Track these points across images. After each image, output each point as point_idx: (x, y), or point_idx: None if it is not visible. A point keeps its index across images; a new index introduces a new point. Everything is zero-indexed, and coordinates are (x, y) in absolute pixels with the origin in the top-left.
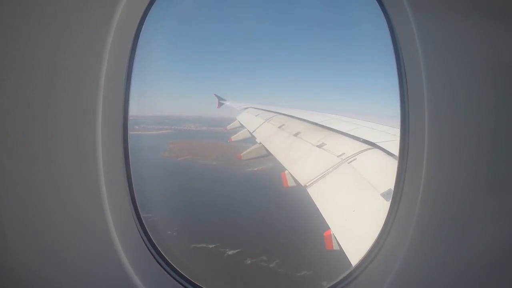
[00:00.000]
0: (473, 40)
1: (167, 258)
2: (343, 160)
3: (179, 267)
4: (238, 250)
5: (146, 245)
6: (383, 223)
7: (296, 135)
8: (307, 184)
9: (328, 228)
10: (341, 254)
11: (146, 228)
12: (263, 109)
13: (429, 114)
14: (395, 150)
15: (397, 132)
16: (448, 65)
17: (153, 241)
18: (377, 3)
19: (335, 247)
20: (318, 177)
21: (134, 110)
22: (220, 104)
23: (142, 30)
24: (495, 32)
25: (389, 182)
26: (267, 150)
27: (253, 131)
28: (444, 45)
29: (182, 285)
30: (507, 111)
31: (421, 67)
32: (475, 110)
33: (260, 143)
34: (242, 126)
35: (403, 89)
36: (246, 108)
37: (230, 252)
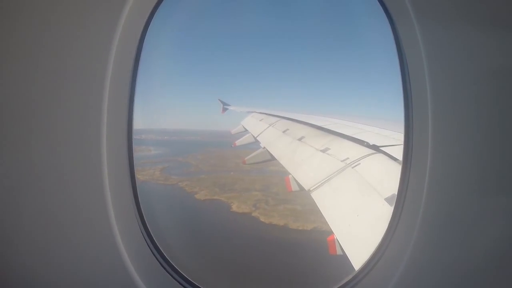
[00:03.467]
0: (477, 44)
1: (169, 259)
2: (347, 165)
3: (182, 269)
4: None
5: (148, 244)
6: (386, 227)
7: (300, 139)
8: (311, 189)
9: (332, 233)
10: (344, 259)
11: (149, 229)
12: (267, 114)
13: (433, 119)
14: (399, 155)
15: (401, 136)
16: (452, 70)
17: (155, 241)
18: (382, 9)
19: (339, 252)
20: (322, 181)
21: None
22: (224, 109)
23: (147, 33)
24: (498, 36)
25: (393, 187)
26: (271, 154)
27: (257, 136)
28: (448, 49)
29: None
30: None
31: (424, 72)
32: (479, 114)
33: (264, 147)
34: (246, 131)
35: (407, 94)
36: (250, 113)
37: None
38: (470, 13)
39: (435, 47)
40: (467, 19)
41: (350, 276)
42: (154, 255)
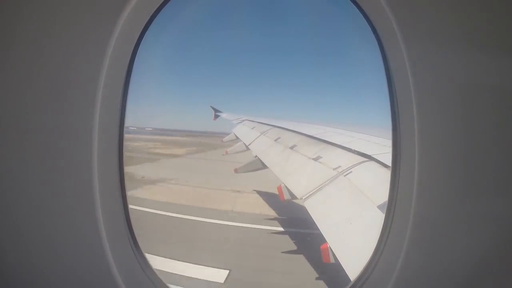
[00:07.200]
0: (461, 59)
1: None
2: (339, 173)
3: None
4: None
5: (132, 247)
6: (379, 235)
7: (292, 148)
8: (303, 197)
9: (325, 241)
10: (338, 267)
11: (137, 239)
12: (259, 122)
13: (419, 127)
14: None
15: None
16: (435, 76)
17: (141, 249)
18: (369, 26)
19: (332, 260)
20: (315, 190)
21: None
22: (216, 117)
23: (144, 37)
24: (482, 56)
25: (385, 194)
26: (263, 163)
27: (249, 144)
28: (432, 61)
29: None
30: (495, 126)
31: (408, 76)
32: (464, 121)
33: (256, 156)
34: (238, 139)
35: (393, 100)
36: (242, 121)
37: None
38: (454, 35)
39: (420, 68)
40: (453, 40)
41: (350, 284)
42: (136, 258)
